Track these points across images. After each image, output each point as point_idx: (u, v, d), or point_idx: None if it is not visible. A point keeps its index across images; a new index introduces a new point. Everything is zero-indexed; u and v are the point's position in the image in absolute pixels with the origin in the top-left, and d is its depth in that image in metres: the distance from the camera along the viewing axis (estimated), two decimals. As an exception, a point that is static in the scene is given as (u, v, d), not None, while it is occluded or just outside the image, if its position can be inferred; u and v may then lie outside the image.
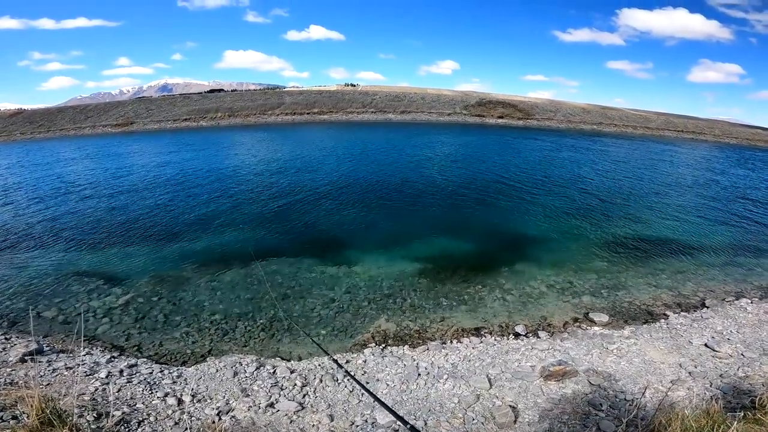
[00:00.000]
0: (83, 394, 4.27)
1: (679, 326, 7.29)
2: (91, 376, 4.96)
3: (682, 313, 8.01)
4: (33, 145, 38.31)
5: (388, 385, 5.44)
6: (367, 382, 5.52)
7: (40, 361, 5.29)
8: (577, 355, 6.19)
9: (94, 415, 3.72)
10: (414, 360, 6.20)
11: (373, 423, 4.47)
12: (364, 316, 7.88)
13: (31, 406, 2.89)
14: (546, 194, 17.60)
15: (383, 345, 6.88)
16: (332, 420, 4.51)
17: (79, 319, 7.36)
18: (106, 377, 4.95)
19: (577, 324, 7.67)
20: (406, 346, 6.81)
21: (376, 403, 4.91)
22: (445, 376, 5.57)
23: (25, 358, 5.26)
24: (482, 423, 4.39)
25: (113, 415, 3.82)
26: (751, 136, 60.40)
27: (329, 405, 4.87)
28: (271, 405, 4.73)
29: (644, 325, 7.49)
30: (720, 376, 5.31)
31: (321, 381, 5.47)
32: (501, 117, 60.31)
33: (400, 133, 42.68)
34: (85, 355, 5.98)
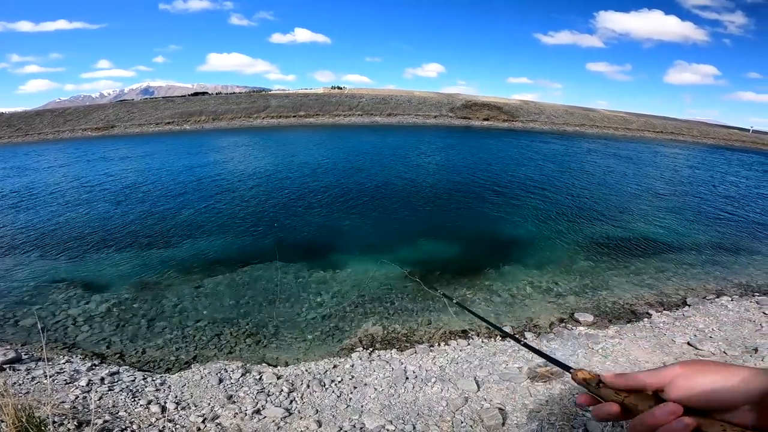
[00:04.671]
0: (63, 402, 4.16)
1: (662, 325, 7.40)
2: (71, 384, 4.84)
3: (665, 312, 8.13)
4: (9, 150, 37.39)
5: (376, 389, 5.40)
6: (355, 387, 5.48)
7: (18, 369, 5.15)
8: (563, 355, 6.24)
9: (75, 423, 3.62)
10: (402, 363, 6.18)
11: (361, 428, 4.43)
12: (351, 320, 7.83)
13: (7, 414, 2.81)
14: (530, 197, 17.76)
15: (371, 349, 6.84)
16: (320, 426, 4.46)
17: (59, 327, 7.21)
18: (87, 385, 4.84)
19: (563, 324, 7.74)
20: (394, 350, 6.78)
21: (364, 407, 4.89)
22: (433, 380, 5.56)
23: (3, 366, 5.12)
24: (471, 426, 4.38)
25: (94, 424, 3.73)
26: (727, 136, 62.16)
27: (317, 410, 4.81)
28: (258, 411, 4.66)
29: (628, 325, 7.58)
30: (703, 374, 5.38)
31: (308, 386, 5.41)
32: (486, 119, 60.80)
33: (386, 136, 42.75)
34: (64, 363, 5.84)
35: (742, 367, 0.71)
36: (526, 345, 1.33)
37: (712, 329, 7.04)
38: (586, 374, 0.85)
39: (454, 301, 2.89)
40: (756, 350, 6.03)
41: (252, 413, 4.59)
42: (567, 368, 0.93)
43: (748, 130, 69.86)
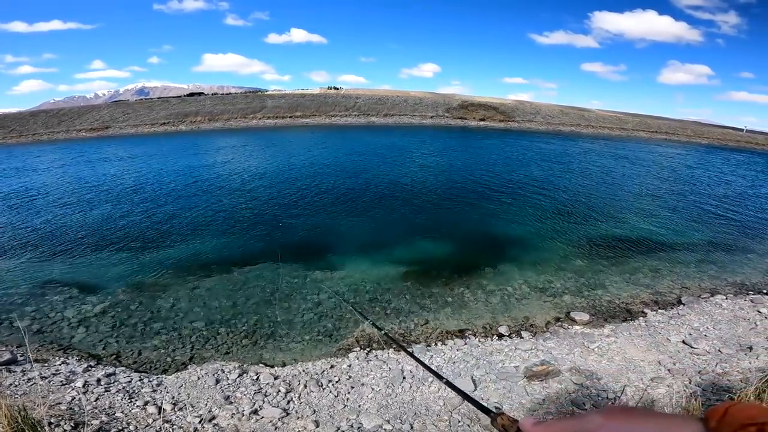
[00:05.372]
0: (59, 403, 4.14)
1: (657, 323, 7.44)
2: (67, 386, 4.82)
3: (660, 311, 8.17)
4: (3, 151, 37.14)
5: (373, 389, 5.41)
6: (352, 387, 5.48)
7: (14, 371, 5.13)
8: (559, 354, 6.26)
9: (72, 424, 3.61)
10: (399, 363, 6.19)
11: (359, 428, 4.44)
12: (348, 320, 7.82)
13: (3, 415, 2.81)
14: (526, 196, 17.81)
15: (368, 349, 6.84)
16: (317, 426, 4.46)
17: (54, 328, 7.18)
18: (83, 386, 4.82)
19: (559, 323, 7.77)
20: (391, 350, 6.77)
21: (361, 407, 4.90)
22: (430, 379, 5.56)
23: (-1, 368, 5.10)
24: (468, 425, 4.40)
25: (90, 425, 3.72)
26: (722, 136, 62.50)
27: (314, 411, 4.81)
28: (255, 412, 4.65)
29: (623, 324, 7.62)
30: (698, 372, 5.42)
31: (305, 387, 5.41)
32: (482, 119, 60.87)
33: (383, 137, 42.71)
34: (60, 365, 5.82)
35: (669, 415, 0.65)
36: (447, 383, 1.30)
37: (707, 328, 7.09)
38: (505, 420, 0.82)
39: (383, 332, 2.94)
40: (750, 348, 6.07)
41: (249, 414, 4.58)
42: (488, 411, 0.90)
43: (742, 130, 70.28)
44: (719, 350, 6.18)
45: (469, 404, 1.08)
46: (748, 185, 24.61)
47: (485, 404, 0.95)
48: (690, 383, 5.04)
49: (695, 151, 46.73)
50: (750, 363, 5.54)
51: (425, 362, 5.76)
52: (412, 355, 1.88)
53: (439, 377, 1.38)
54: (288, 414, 4.69)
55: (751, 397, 3.42)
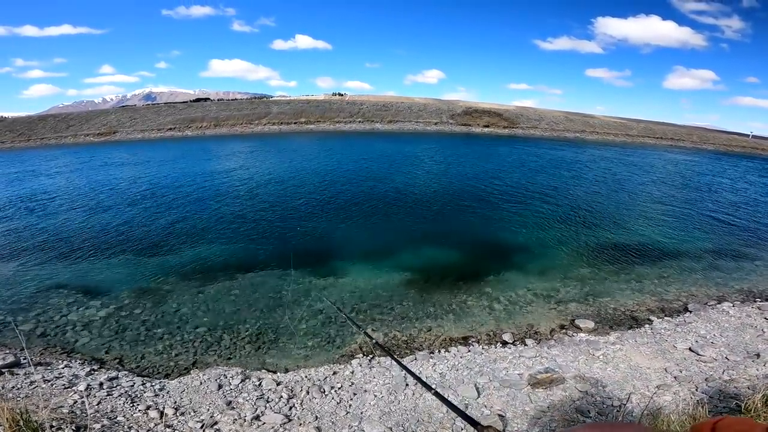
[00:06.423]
0: (61, 407, 4.14)
1: (663, 331, 7.37)
2: (69, 389, 4.83)
3: (666, 318, 8.10)
4: (15, 155, 37.45)
5: (375, 395, 5.38)
6: (355, 393, 5.45)
7: (17, 374, 5.14)
8: (564, 362, 6.20)
9: (73, 428, 3.61)
10: (401, 370, 6.14)
11: (360, 434, 4.41)
12: (351, 326, 7.78)
13: (5, 418, 2.81)
14: (531, 204, 17.76)
15: (371, 356, 6.81)
16: (319, 432, 4.44)
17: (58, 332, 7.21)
18: (86, 390, 4.82)
19: (564, 331, 7.71)
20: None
21: (364, 414, 4.86)
22: (433, 386, 5.52)
23: (2, 370, 5.11)
24: (471, 432, 4.35)
25: (92, 428, 3.71)
26: (728, 142, 62.16)
27: (316, 417, 4.79)
28: (257, 418, 4.63)
29: (629, 331, 7.55)
30: (705, 380, 5.36)
31: (308, 393, 5.38)
32: (487, 126, 60.88)
33: (386, 143, 42.80)
34: (63, 368, 5.82)
35: (646, 427, 0.63)
36: (436, 394, 1.29)
37: (714, 335, 7.01)
38: None
39: (374, 341, 2.93)
40: (758, 356, 6.00)
41: (251, 419, 4.56)
42: (475, 424, 0.90)
43: (748, 136, 69.93)
44: (726, 357, 6.11)
45: (472, 412, 1.08)
46: (755, 191, 24.43)
47: (473, 416, 0.96)
48: (697, 390, 4.98)
49: (702, 157, 46.45)
50: (757, 370, 5.46)
51: (417, 373, 5.73)
52: (403, 365, 1.88)
53: (428, 388, 1.38)
54: (290, 420, 4.66)
55: (759, 405, 3.37)
